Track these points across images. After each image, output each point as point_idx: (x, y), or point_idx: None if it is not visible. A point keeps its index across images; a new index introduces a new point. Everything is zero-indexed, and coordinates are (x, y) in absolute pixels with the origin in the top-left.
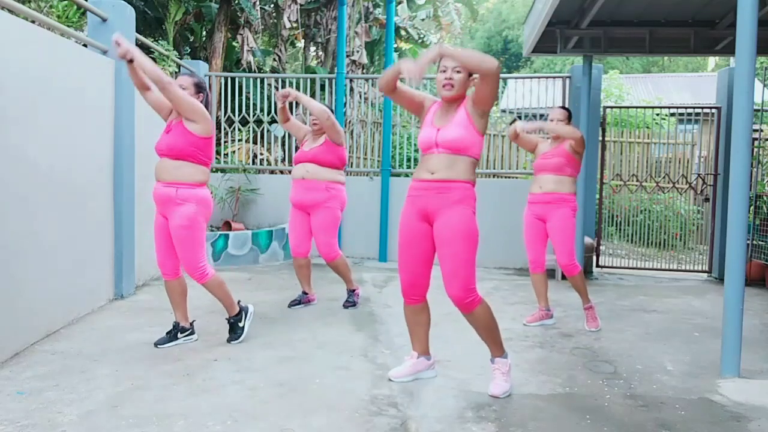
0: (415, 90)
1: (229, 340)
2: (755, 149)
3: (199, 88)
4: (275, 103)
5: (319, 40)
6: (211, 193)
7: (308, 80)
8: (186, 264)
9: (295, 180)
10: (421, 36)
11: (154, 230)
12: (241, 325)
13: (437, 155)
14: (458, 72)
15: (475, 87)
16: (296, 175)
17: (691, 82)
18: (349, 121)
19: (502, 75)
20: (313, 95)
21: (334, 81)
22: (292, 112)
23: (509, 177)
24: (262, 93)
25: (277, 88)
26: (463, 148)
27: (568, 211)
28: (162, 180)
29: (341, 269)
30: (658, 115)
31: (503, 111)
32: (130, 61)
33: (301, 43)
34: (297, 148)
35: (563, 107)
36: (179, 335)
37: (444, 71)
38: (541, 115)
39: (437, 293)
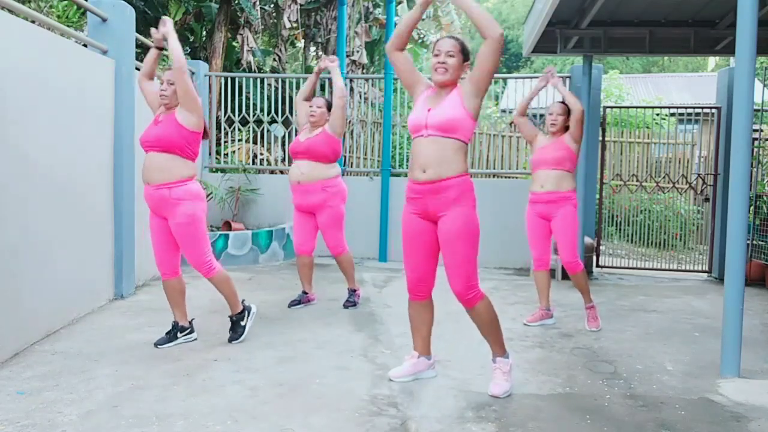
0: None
1: (230, 340)
2: (755, 149)
3: None
4: (275, 103)
5: (319, 40)
6: (211, 193)
7: None
8: (192, 260)
9: (292, 184)
10: (421, 36)
11: (151, 230)
12: (243, 324)
13: (426, 140)
14: (451, 56)
15: (475, 62)
16: (292, 178)
17: (691, 82)
18: (349, 121)
19: (502, 75)
20: (312, 95)
21: None
22: (291, 113)
23: (509, 177)
24: (262, 93)
25: (277, 88)
26: (452, 128)
27: (571, 208)
28: (151, 183)
29: (346, 265)
30: (658, 115)
31: (503, 111)
32: (161, 49)
33: (301, 43)
34: None
35: (562, 102)
36: (179, 334)
37: (437, 55)
38: (541, 115)
39: (439, 292)
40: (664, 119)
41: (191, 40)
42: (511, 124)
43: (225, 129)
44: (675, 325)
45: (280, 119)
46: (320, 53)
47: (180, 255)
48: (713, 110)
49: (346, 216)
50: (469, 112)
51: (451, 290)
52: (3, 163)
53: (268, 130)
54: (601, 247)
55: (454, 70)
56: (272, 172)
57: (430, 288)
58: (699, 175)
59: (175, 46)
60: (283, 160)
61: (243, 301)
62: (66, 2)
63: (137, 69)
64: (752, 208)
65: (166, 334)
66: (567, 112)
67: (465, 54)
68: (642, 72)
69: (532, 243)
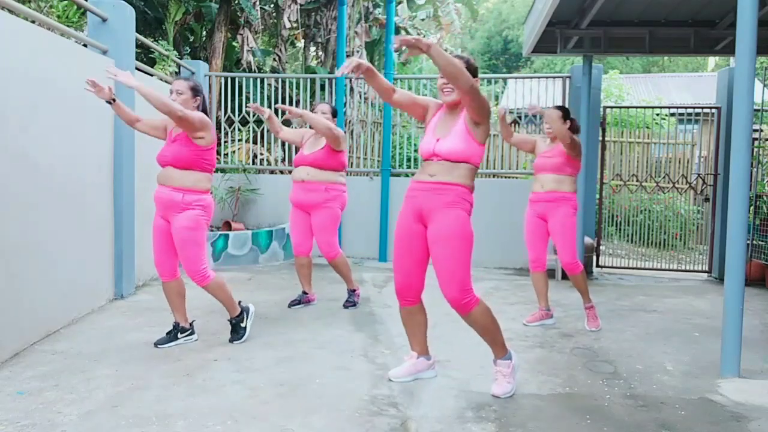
0: (418, 96)
1: (231, 340)
2: (755, 149)
3: (196, 92)
4: (275, 103)
5: (319, 40)
6: (211, 194)
7: (308, 80)
8: (187, 267)
9: (295, 182)
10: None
11: (153, 231)
12: (243, 325)
13: (437, 162)
14: None
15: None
16: (296, 177)
17: (691, 82)
18: (349, 121)
19: (501, 75)
20: (312, 95)
21: (334, 81)
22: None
23: (509, 177)
24: (262, 93)
25: (277, 88)
26: (462, 159)
27: (570, 209)
28: (168, 185)
29: (341, 268)
30: (658, 115)
31: None
32: (113, 101)
33: (301, 43)
34: (297, 149)
35: (557, 107)
36: (179, 335)
37: (443, 76)
38: (541, 116)
39: (437, 294)
40: (664, 119)
41: (191, 40)
42: (512, 123)
43: (225, 129)
44: (675, 325)
45: (279, 119)
46: (320, 53)
47: (179, 258)
48: (713, 110)
49: (346, 215)
50: (475, 139)
51: (444, 297)
52: (3, 163)
53: (268, 130)
54: (601, 247)
55: None
56: (272, 172)
57: (418, 293)
58: (699, 175)
59: (147, 93)
60: (283, 160)
61: (239, 302)
62: (66, 2)
63: (137, 69)
64: (752, 208)
65: (167, 334)
66: (562, 116)
67: (471, 71)
68: (642, 72)
69: (530, 244)
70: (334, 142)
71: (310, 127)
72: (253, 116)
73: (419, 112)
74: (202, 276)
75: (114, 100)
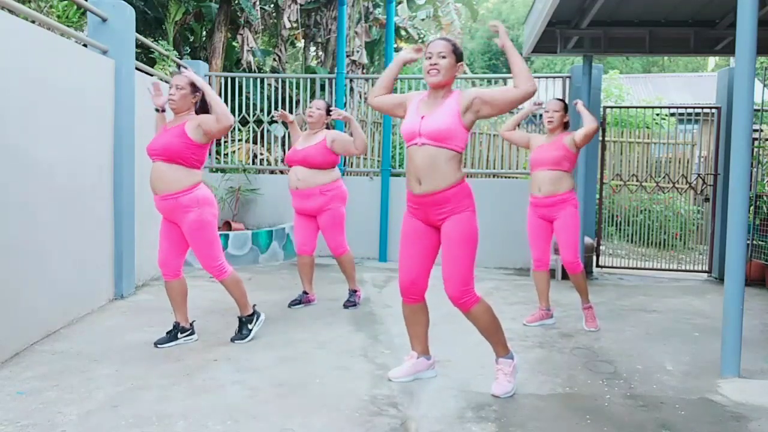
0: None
1: (233, 339)
2: (755, 149)
3: (195, 88)
4: (275, 103)
5: (319, 40)
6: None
7: (308, 80)
8: (204, 263)
9: (291, 190)
10: (421, 36)
11: (160, 230)
12: (249, 327)
13: (419, 148)
14: (443, 57)
15: (494, 93)
16: (291, 184)
17: (691, 82)
18: None
19: (501, 75)
20: (312, 95)
21: (334, 81)
22: (291, 113)
23: (509, 177)
24: (262, 93)
25: (277, 88)
26: (445, 138)
27: (572, 209)
28: (159, 193)
29: (346, 266)
30: (658, 115)
31: None
32: (163, 110)
33: (301, 43)
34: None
35: (558, 99)
36: (179, 335)
37: (429, 57)
38: (541, 115)
39: (436, 294)
40: (664, 119)
41: (191, 40)
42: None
43: None
44: (675, 325)
45: (279, 119)
46: (320, 53)
47: (184, 258)
48: (713, 110)
49: (346, 216)
50: (463, 123)
51: (446, 294)
52: (3, 163)
53: (268, 130)
54: (601, 247)
55: (446, 71)
56: (272, 172)
57: (422, 291)
58: (699, 175)
59: (213, 93)
60: (283, 160)
61: (254, 306)
62: (66, 2)
63: (137, 69)
64: (752, 208)
65: (167, 333)
66: (564, 108)
67: (457, 54)
68: (642, 72)
69: (533, 243)
70: (350, 150)
71: (309, 115)
72: (253, 116)
73: (397, 107)
74: (219, 271)
75: (164, 109)
